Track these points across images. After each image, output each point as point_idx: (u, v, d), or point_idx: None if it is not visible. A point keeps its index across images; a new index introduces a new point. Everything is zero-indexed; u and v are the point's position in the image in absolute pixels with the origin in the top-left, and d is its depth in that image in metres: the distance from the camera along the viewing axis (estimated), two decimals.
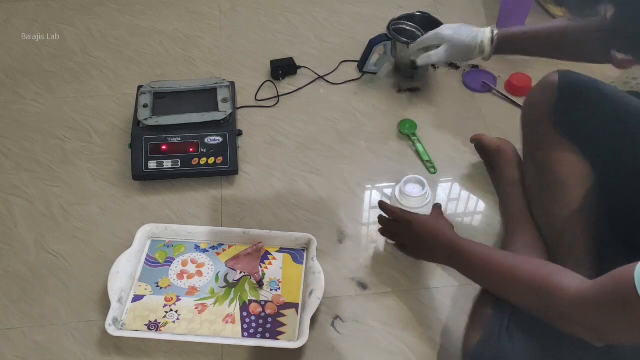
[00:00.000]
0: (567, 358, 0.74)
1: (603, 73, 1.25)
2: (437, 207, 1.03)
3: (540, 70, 1.39)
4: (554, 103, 0.94)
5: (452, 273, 1.02)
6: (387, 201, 1.03)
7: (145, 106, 1.22)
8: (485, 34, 1.12)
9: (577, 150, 0.92)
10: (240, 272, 1.03)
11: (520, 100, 1.34)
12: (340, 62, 1.46)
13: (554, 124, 0.93)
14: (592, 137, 0.91)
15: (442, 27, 1.19)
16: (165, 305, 0.99)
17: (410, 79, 1.41)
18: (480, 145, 1.20)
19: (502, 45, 1.11)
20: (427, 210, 1.01)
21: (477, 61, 1.45)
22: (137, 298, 1.00)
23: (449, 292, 1.02)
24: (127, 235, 1.09)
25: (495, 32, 1.11)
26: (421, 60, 1.21)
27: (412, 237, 0.96)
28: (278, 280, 1.03)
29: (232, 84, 1.30)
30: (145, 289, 1.01)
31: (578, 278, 0.71)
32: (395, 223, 1.00)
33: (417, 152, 1.25)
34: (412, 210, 0.99)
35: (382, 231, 1.04)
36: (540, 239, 0.97)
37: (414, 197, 0.99)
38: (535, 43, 1.07)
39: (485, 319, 0.84)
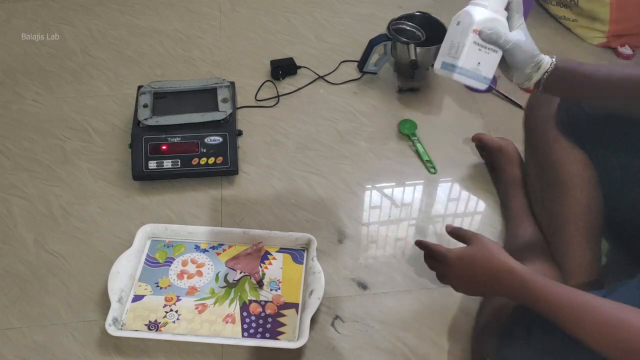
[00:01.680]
0: None
1: None
2: (476, 241, 0.82)
3: None
4: (558, 104, 0.94)
5: None
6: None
7: (145, 106, 1.22)
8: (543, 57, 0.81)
9: (579, 151, 0.91)
10: (240, 272, 1.03)
11: (522, 100, 1.34)
12: (340, 62, 1.46)
13: (557, 124, 0.93)
14: (596, 139, 0.91)
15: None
16: (165, 305, 0.99)
17: (410, 79, 1.41)
18: (481, 144, 1.21)
19: (557, 79, 0.81)
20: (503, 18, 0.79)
21: None
22: (137, 298, 1.00)
23: (449, 292, 1.01)
24: (127, 235, 1.09)
25: (554, 59, 0.81)
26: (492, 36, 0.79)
27: (462, 277, 0.82)
28: (278, 280, 1.03)
29: (232, 84, 1.29)
30: (145, 289, 1.01)
31: None
32: (432, 261, 0.87)
33: (417, 152, 1.25)
34: (495, 17, 0.77)
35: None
36: (542, 238, 0.97)
37: None
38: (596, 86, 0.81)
39: (500, 322, 0.83)
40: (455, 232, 0.88)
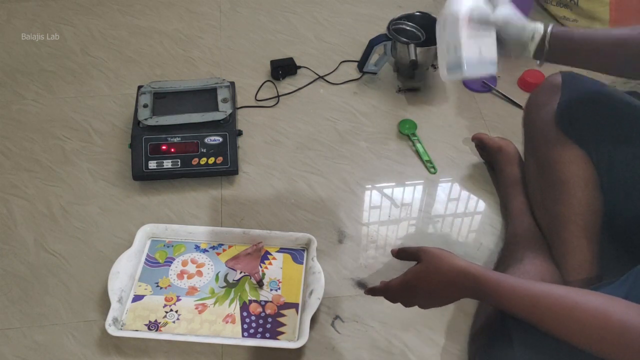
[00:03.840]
0: None
1: None
2: (424, 254, 0.80)
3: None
4: (558, 103, 0.94)
5: None
6: None
7: (145, 106, 1.22)
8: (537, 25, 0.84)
9: (580, 151, 0.91)
10: (240, 272, 1.03)
11: (521, 100, 1.34)
12: (340, 62, 1.46)
13: (557, 124, 0.93)
14: (596, 138, 0.91)
15: None
16: (165, 305, 0.99)
17: (410, 79, 1.41)
18: (481, 144, 1.21)
19: (556, 44, 0.82)
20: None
21: None
22: (137, 298, 1.00)
23: None
24: (127, 235, 1.09)
25: (550, 26, 0.83)
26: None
27: (424, 293, 0.80)
28: (278, 280, 1.03)
29: (232, 84, 1.30)
30: (145, 289, 1.01)
31: None
32: (395, 295, 0.84)
33: (417, 152, 1.25)
34: (475, 3, 0.80)
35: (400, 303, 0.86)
36: (542, 238, 0.97)
37: None
38: (591, 49, 0.82)
39: (492, 323, 0.83)
40: (401, 254, 0.86)
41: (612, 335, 0.62)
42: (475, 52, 0.81)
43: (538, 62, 0.84)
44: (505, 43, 0.84)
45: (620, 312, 0.62)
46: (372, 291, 0.87)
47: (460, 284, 0.75)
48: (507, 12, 0.82)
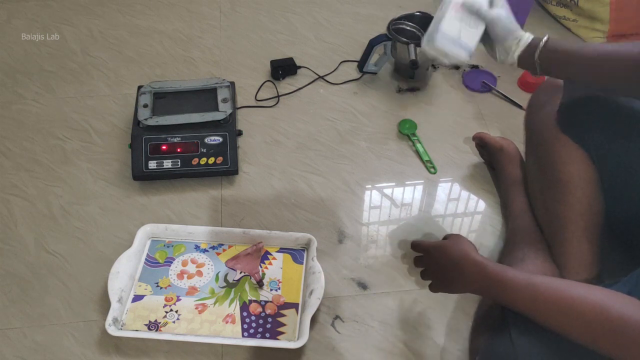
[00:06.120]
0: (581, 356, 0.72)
1: None
2: (452, 236, 0.89)
3: None
4: (559, 103, 0.94)
5: None
6: None
7: (145, 106, 1.22)
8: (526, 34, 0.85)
9: (580, 151, 0.91)
10: (240, 272, 1.04)
11: (521, 100, 1.34)
12: (340, 62, 1.46)
13: (558, 124, 0.93)
14: (596, 138, 0.91)
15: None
16: (165, 305, 0.99)
17: (410, 79, 1.41)
18: (482, 143, 1.21)
19: (545, 56, 0.83)
20: None
21: (477, 61, 1.45)
22: (137, 298, 1.00)
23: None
24: (127, 235, 1.09)
25: (546, 37, 0.83)
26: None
27: (435, 266, 0.87)
28: (278, 280, 1.03)
29: (232, 84, 1.29)
30: (145, 289, 1.01)
31: None
32: (421, 257, 0.91)
33: (417, 152, 1.25)
34: None
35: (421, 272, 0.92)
36: (542, 238, 0.97)
37: None
38: (581, 63, 0.81)
39: (493, 317, 0.84)
40: (445, 236, 0.93)
41: (611, 329, 0.62)
42: (454, 32, 0.85)
43: (534, 73, 0.86)
44: (492, 43, 0.86)
45: (619, 306, 0.63)
46: (414, 245, 0.93)
47: (465, 268, 0.79)
48: (499, 12, 0.85)
